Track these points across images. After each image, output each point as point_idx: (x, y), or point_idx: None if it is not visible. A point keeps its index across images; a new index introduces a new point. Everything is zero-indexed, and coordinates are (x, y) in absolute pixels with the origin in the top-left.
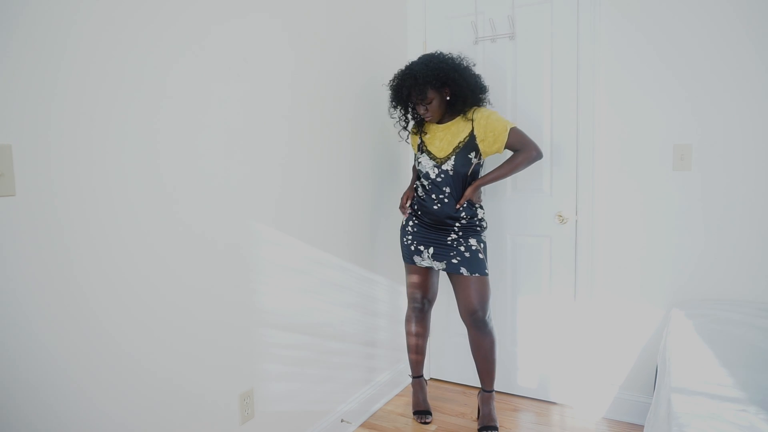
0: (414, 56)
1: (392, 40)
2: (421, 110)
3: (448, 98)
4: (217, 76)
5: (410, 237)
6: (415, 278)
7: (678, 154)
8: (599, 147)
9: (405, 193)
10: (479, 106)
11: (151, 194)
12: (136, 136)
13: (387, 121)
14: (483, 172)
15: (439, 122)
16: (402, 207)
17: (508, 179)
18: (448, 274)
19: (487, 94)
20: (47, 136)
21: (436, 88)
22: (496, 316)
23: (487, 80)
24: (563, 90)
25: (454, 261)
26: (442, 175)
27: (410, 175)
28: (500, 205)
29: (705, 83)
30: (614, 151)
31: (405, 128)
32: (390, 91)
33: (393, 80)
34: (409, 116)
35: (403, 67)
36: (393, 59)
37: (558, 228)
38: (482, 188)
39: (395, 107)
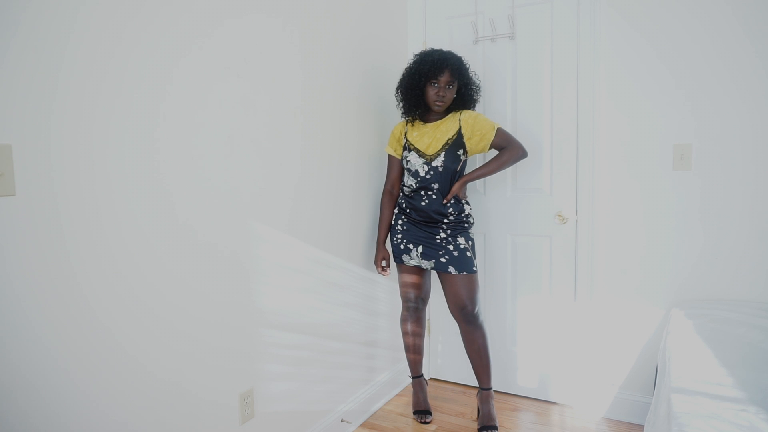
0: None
1: (394, 40)
2: (439, 92)
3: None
4: (217, 76)
5: (400, 235)
6: (407, 278)
7: (678, 153)
8: (599, 147)
9: (378, 255)
10: (472, 107)
11: (152, 194)
12: (137, 137)
13: (389, 122)
14: (467, 171)
15: (427, 121)
16: (382, 268)
17: (509, 179)
18: (436, 272)
19: (479, 96)
20: (47, 136)
21: (453, 74)
22: (496, 316)
23: (487, 80)
24: (563, 90)
25: (443, 260)
26: (432, 172)
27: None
28: (500, 204)
29: (704, 83)
30: (614, 150)
31: (411, 109)
32: (408, 73)
33: (415, 60)
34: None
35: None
36: (393, 55)
37: (558, 228)
38: (470, 185)
39: (405, 93)
